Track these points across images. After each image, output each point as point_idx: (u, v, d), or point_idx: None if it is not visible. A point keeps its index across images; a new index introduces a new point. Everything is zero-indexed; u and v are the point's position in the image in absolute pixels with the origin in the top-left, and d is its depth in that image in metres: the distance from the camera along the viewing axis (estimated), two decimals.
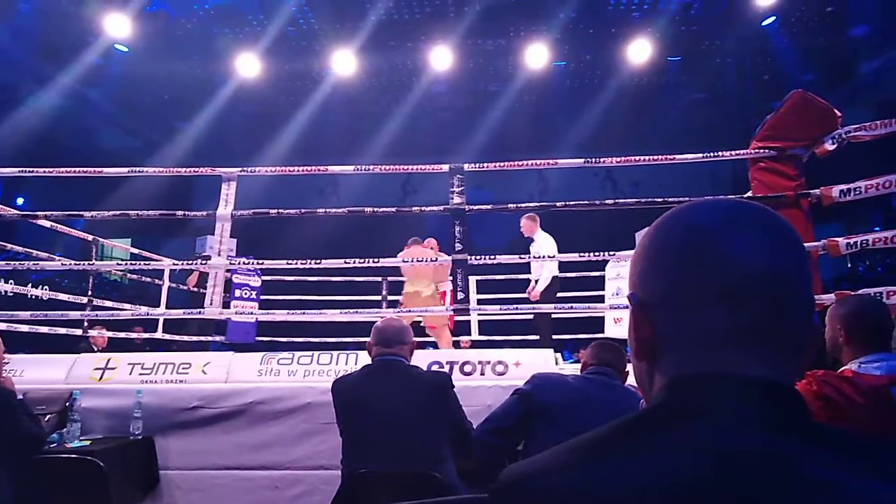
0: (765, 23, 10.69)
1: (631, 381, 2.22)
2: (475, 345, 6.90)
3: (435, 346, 5.85)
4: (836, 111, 3.41)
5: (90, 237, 5.67)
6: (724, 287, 0.53)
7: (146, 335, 6.49)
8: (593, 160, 3.95)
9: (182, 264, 5.53)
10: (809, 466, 0.46)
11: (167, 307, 5.94)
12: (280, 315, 4.14)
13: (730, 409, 0.50)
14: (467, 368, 3.32)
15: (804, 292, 0.56)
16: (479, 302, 6.54)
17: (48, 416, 2.99)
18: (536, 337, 6.19)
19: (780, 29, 10.97)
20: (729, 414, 0.50)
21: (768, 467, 0.46)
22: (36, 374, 3.42)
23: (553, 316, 5.91)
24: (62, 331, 5.08)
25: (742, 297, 0.53)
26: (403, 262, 4.89)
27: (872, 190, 3.19)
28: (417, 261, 4.89)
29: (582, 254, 3.80)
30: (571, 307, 4.12)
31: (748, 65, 12.11)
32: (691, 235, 0.56)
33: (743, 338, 0.53)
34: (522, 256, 4.59)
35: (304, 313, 4.06)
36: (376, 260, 3.90)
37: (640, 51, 10.71)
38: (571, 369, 3.30)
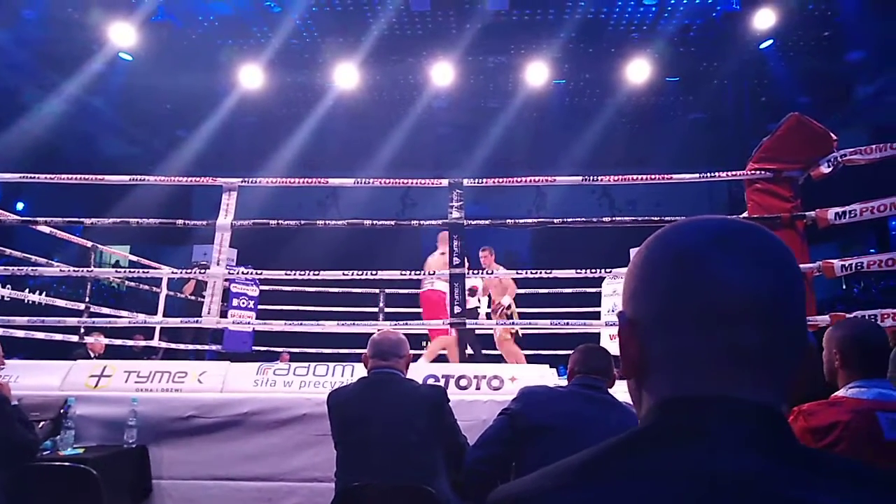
0: (762, 46, 10.82)
1: (618, 385, 2.20)
2: (470, 358, 6.89)
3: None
4: (831, 134, 3.45)
5: (89, 244, 5.68)
6: (709, 310, 0.53)
7: (143, 343, 6.48)
8: (591, 178, 3.99)
9: (180, 272, 5.55)
10: (793, 490, 0.46)
11: (164, 315, 5.94)
12: (277, 325, 4.14)
13: (714, 433, 0.51)
14: (463, 383, 3.32)
15: (793, 314, 0.55)
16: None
17: (42, 423, 2.97)
18: (533, 352, 6.20)
19: (778, 52, 11.10)
20: (713, 438, 0.50)
21: (753, 491, 0.46)
22: (31, 380, 3.41)
23: (549, 332, 5.93)
24: (58, 337, 5.07)
25: (726, 320, 0.53)
26: (401, 275, 4.90)
27: (867, 213, 3.23)
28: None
29: (578, 270, 3.82)
30: (567, 323, 4.13)
31: (746, 87, 12.24)
32: (678, 257, 0.56)
33: (727, 361, 0.53)
34: (519, 271, 4.62)
35: (301, 324, 4.07)
36: (374, 272, 3.92)
37: (638, 71, 10.83)
38: None
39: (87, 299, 5.37)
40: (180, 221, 4.16)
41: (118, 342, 6.20)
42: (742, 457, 0.49)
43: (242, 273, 5.31)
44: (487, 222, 4.32)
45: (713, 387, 0.53)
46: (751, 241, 0.55)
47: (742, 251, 0.54)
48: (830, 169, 3.39)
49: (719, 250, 0.54)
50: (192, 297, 6.59)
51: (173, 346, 6.38)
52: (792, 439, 0.52)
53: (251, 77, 11.03)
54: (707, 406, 0.52)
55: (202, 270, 5.24)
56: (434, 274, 5.26)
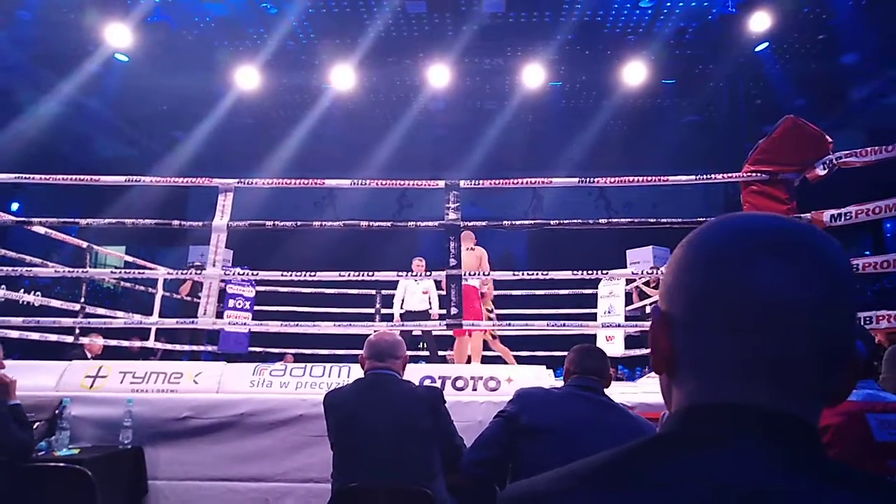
0: (758, 48, 10.87)
1: (615, 387, 2.18)
2: (427, 360, 6.90)
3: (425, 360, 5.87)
4: (827, 137, 3.47)
5: (84, 244, 5.66)
6: (738, 314, 0.52)
7: (139, 343, 6.46)
8: (587, 180, 4.00)
9: (176, 273, 5.52)
10: (810, 502, 0.46)
11: (160, 316, 5.92)
12: (273, 326, 4.14)
13: (736, 444, 0.50)
14: (459, 384, 3.32)
15: (834, 321, 0.52)
16: None
17: (37, 424, 2.97)
18: (529, 353, 6.21)
19: (773, 55, 11.15)
20: (735, 448, 0.49)
21: (767, 502, 0.46)
22: (26, 380, 3.38)
23: (546, 333, 5.95)
24: (53, 338, 5.05)
25: (755, 325, 0.51)
26: (397, 276, 4.90)
27: (863, 215, 3.24)
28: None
29: (575, 272, 3.82)
30: (564, 324, 4.13)
31: (741, 89, 12.28)
32: (711, 258, 0.54)
33: (755, 368, 0.51)
34: (516, 273, 4.62)
35: (297, 325, 4.06)
36: (371, 273, 3.91)
37: (634, 73, 10.86)
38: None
39: (82, 300, 5.35)
40: (176, 222, 4.15)
41: (113, 343, 6.18)
42: (764, 469, 0.48)
43: (238, 274, 5.30)
44: (484, 223, 4.32)
45: (739, 394, 0.52)
46: (793, 244, 0.52)
47: (780, 256, 0.52)
48: (826, 171, 3.41)
49: (755, 254, 0.52)
50: (189, 298, 6.58)
51: (169, 346, 6.37)
52: (817, 451, 0.51)
53: (247, 78, 11.02)
54: (731, 414, 0.51)
55: (198, 271, 5.23)
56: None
